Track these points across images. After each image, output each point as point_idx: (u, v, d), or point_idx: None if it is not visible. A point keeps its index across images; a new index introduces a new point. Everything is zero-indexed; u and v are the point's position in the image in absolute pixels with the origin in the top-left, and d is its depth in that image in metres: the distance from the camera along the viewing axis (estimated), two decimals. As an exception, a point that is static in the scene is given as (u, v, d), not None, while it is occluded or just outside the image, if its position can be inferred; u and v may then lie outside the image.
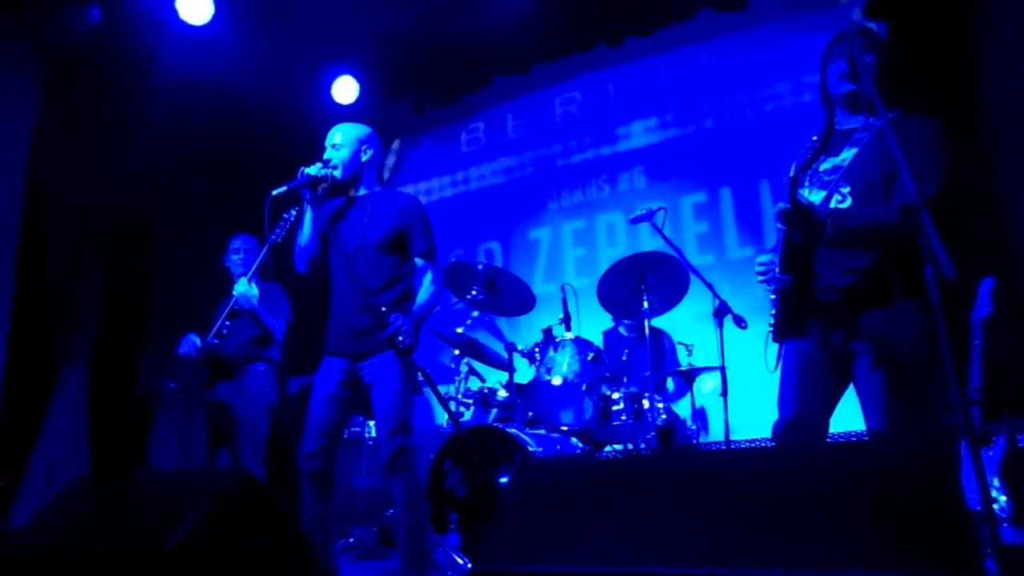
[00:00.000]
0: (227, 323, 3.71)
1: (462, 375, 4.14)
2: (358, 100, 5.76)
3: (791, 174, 2.01)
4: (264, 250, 3.55)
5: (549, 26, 5.26)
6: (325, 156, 2.88)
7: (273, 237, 3.52)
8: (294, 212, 3.47)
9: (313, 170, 2.78)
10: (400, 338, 2.64)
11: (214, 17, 4.80)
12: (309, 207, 2.81)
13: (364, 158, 2.92)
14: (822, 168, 2.17)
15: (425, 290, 2.82)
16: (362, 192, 2.94)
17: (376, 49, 5.66)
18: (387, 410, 2.70)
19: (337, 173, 2.84)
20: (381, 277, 2.81)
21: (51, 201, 4.46)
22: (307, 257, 2.88)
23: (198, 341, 3.71)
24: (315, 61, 5.61)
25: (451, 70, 5.79)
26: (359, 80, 5.74)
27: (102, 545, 1.73)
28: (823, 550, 0.98)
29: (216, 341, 3.73)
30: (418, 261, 2.87)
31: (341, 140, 2.90)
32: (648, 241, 5.01)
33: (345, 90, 5.71)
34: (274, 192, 2.75)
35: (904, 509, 0.94)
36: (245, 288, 3.60)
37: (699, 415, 4.44)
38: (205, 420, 3.79)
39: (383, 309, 2.66)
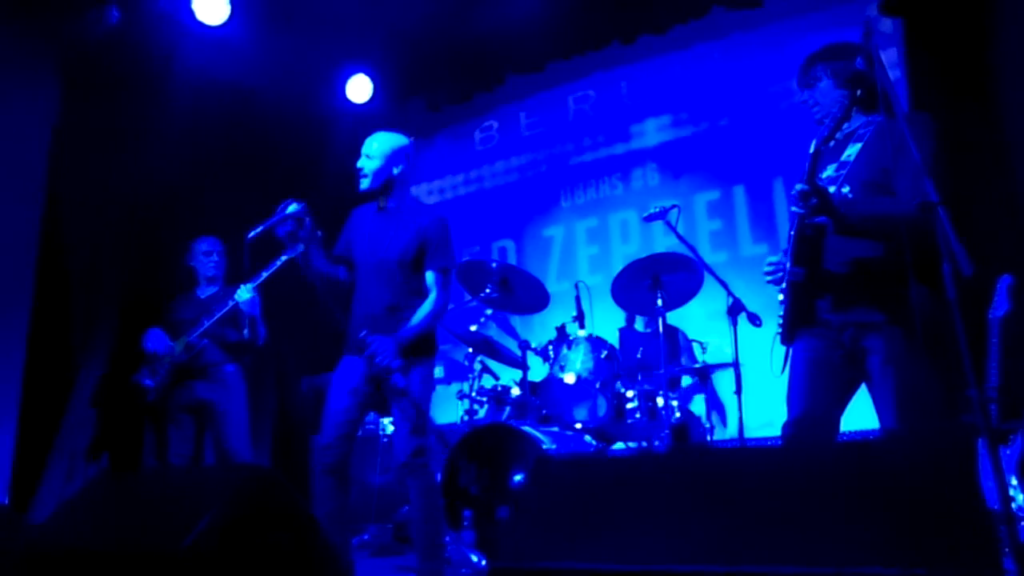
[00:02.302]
0: (212, 325, 3.75)
1: (476, 373, 4.15)
2: (372, 99, 5.78)
3: (811, 150, 2.00)
4: (275, 266, 3.51)
5: (562, 24, 5.25)
6: (358, 164, 2.90)
7: (289, 253, 3.49)
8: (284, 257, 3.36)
9: (291, 209, 2.74)
10: (377, 359, 2.64)
11: (230, 17, 4.83)
12: (301, 258, 2.80)
13: (395, 171, 2.90)
14: (825, 175, 2.17)
15: (423, 308, 2.81)
16: (390, 204, 2.94)
17: (390, 48, 5.67)
18: (405, 412, 2.72)
19: (365, 183, 2.87)
20: (395, 293, 2.83)
21: (71, 200, 4.50)
22: (331, 295, 2.93)
23: (166, 338, 3.75)
24: (329, 60, 5.64)
25: (465, 68, 5.79)
26: (373, 79, 5.75)
27: (121, 541, 1.75)
28: (839, 548, 0.98)
29: (206, 342, 3.78)
30: (428, 275, 2.86)
31: (373, 151, 2.88)
32: (662, 239, 5.00)
33: (359, 89, 5.73)
34: (249, 236, 2.69)
35: (922, 508, 0.94)
36: (249, 295, 3.65)
37: (714, 413, 4.43)
38: (190, 421, 3.82)
39: (361, 335, 2.67)
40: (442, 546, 2.79)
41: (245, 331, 3.76)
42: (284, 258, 3.45)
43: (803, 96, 2.30)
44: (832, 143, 2.15)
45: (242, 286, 3.66)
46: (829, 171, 2.18)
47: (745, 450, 1.43)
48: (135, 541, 1.73)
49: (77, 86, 4.55)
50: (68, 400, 4.31)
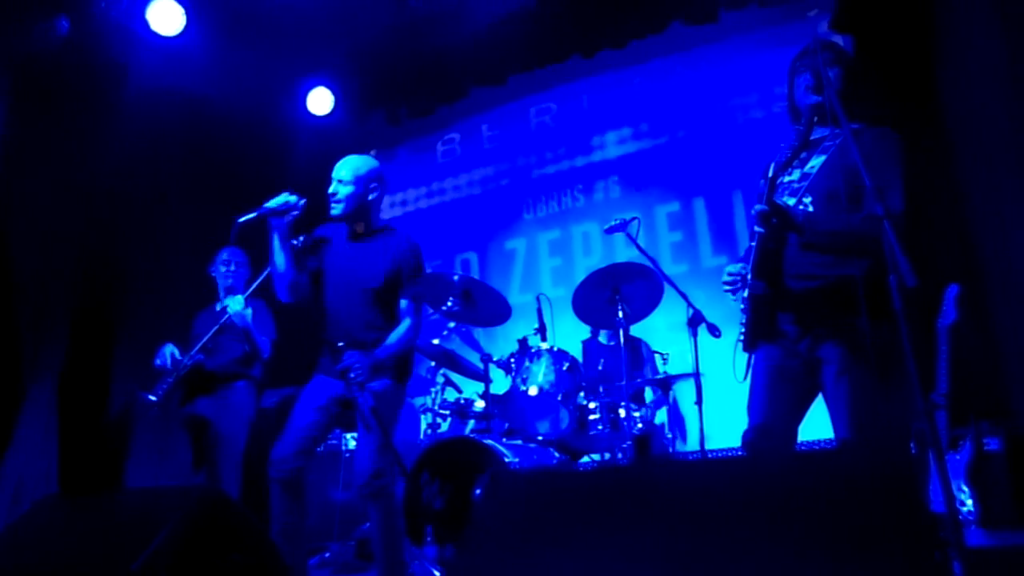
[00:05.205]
0: (214, 338, 3.67)
1: (439, 386, 4.13)
2: (333, 111, 5.75)
3: (769, 174, 2.04)
4: (265, 273, 3.53)
5: (524, 38, 5.30)
6: (331, 190, 2.89)
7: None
8: (301, 239, 3.41)
9: (273, 203, 2.77)
10: (351, 375, 2.63)
11: (186, 28, 4.77)
12: (276, 236, 2.81)
13: (370, 197, 2.91)
14: (787, 179, 2.20)
15: (398, 332, 2.85)
16: (363, 230, 2.95)
17: (351, 60, 5.65)
18: (371, 431, 2.69)
19: (338, 209, 2.86)
20: (372, 313, 2.85)
21: (20, 211, 4.38)
22: (286, 284, 2.87)
23: (177, 353, 3.66)
24: (290, 72, 5.59)
25: (426, 81, 5.80)
26: (334, 91, 5.72)
27: (68, 565, 1.70)
28: (786, 562, 0.99)
29: (202, 356, 3.70)
30: (403, 302, 2.90)
31: (347, 176, 2.88)
32: (623, 251, 5.04)
33: (320, 101, 5.69)
34: (240, 220, 2.73)
35: (865, 517, 0.96)
36: (240, 306, 3.59)
37: (676, 423, 4.47)
38: (188, 436, 3.72)
39: (339, 345, 2.67)
40: (404, 564, 2.77)
41: (242, 345, 3.70)
42: (267, 270, 3.44)
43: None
44: (789, 170, 2.19)
45: (232, 297, 3.60)
46: (794, 175, 2.21)
47: (702, 462, 1.44)
48: (83, 564, 1.68)
49: (26, 96, 4.44)
50: (16, 418, 4.17)
